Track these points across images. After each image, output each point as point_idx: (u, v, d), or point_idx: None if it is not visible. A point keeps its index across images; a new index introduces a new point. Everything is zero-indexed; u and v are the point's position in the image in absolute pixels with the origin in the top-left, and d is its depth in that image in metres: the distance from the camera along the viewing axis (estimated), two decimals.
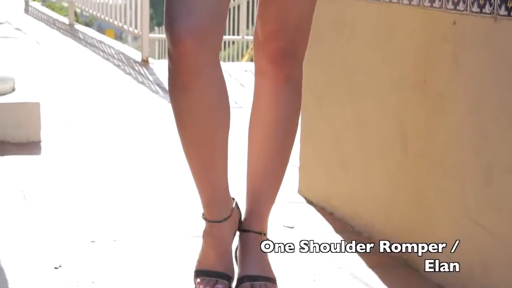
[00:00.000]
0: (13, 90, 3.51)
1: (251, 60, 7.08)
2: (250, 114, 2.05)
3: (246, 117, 2.10)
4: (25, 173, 2.96)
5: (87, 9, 7.29)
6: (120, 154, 3.30)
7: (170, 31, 1.78)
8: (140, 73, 5.32)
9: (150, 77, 5.17)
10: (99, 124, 3.85)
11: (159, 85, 4.90)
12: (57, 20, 7.87)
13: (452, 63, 2.03)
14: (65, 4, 8.09)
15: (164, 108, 4.15)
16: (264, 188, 2.01)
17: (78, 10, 7.77)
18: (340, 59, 2.54)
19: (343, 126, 2.54)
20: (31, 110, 3.39)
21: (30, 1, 9.17)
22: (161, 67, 5.41)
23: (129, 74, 5.28)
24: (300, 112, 2.07)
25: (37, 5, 9.09)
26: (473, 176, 1.97)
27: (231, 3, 9.58)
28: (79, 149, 3.35)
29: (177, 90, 1.83)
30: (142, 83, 4.99)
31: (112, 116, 4.02)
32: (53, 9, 10.57)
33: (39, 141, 3.40)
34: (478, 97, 1.96)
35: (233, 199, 1.98)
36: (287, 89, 1.99)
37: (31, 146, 3.34)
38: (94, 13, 7.05)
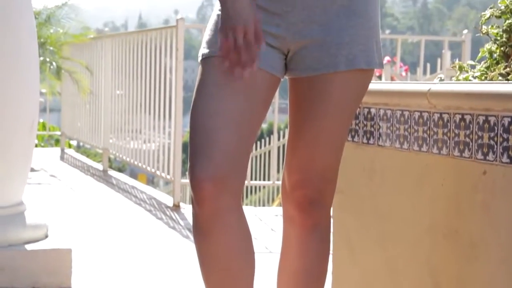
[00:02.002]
0: (46, 236, 3.54)
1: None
2: (278, 261, 2.04)
3: (276, 263, 2.09)
4: None
5: (120, 155, 7.43)
6: None
7: (190, 177, 1.84)
8: (171, 218, 5.35)
9: (181, 222, 5.20)
10: (129, 269, 3.84)
11: (190, 230, 4.91)
12: (91, 167, 8.02)
13: (483, 212, 2.03)
14: (100, 151, 8.24)
15: (194, 253, 4.13)
16: None
17: (112, 156, 7.92)
18: (370, 206, 2.55)
19: (374, 273, 2.51)
20: (63, 257, 3.41)
21: (66, 148, 9.38)
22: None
23: (161, 219, 5.31)
24: (331, 258, 2.06)
25: (72, 152, 9.29)
26: None
27: (263, 149, 9.73)
28: None
29: (199, 235, 1.86)
30: (173, 228, 5.01)
31: (142, 262, 4.02)
32: (87, 156, 10.80)
33: None
34: (510, 247, 1.94)
35: None
36: (314, 236, 1.99)
37: None
38: (128, 159, 7.18)
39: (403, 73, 9.38)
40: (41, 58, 7.80)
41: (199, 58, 1.95)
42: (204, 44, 1.96)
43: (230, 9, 1.82)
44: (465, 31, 7.70)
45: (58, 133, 10.26)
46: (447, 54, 7.88)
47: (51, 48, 7.93)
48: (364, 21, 1.94)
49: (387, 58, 9.08)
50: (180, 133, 6.00)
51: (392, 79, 8.23)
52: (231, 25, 1.81)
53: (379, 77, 8.04)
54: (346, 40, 1.93)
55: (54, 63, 8.08)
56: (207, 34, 1.96)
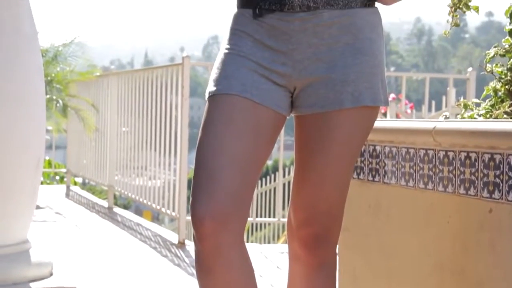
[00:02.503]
0: (51, 274, 3.53)
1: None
2: None
3: None
4: None
5: (125, 192, 7.43)
6: None
7: (192, 213, 1.84)
8: (176, 255, 5.33)
9: (186, 260, 5.18)
10: None
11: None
12: (97, 204, 8.02)
13: (490, 251, 2.02)
14: (105, 188, 8.25)
15: None
16: None
17: (117, 193, 7.92)
18: (376, 244, 2.54)
19: None
20: None
21: (71, 185, 9.39)
22: None
23: (165, 256, 5.30)
24: None
25: (78, 190, 9.29)
26: None
27: (268, 186, 9.72)
28: None
29: (201, 271, 1.85)
30: (178, 265, 4.99)
31: None
32: (93, 193, 10.80)
33: None
34: None
35: None
36: (320, 274, 1.99)
37: None
38: (133, 196, 7.18)
39: (408, 110, 9.40)
40: (48, 96, 7.84)
41: (206, 96, 1.97)
42: (211, 82, 1.97)
43: None
44: (470, 69, 7.73)
45: (64, 170, 10.28)
46: (452, 91, 7.89)
47: (58, 86, 7.98)
48: (369, 59, 1.95)
49: (392, 95, 9.10)
50: (186, 170, 6.00)
51: (397, 116, 8.24)
52: None
53: (384, 114, 8.05)
54: (352, 77, 1.94)
55: (60, 101, 8.12)
56: (214, 72, 1.98)
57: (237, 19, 1.99)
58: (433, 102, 9.12)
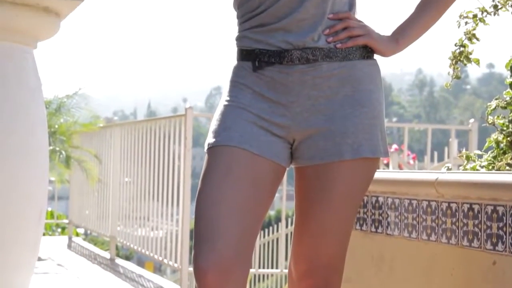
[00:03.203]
0: None
1: None
2: None
3: None
4: None
5: (127, 243, 7.40)
6: None
7: (194, 266, 1.85)
8: None
9: None
10: None
11: None
12: (98, 255, 7.98)
13: None
14: (107, 239, 8.22)
15: None
16: None
17: (119, 244, 7.89)
18: None
19: None
20: None
21: (73, 236, 9.36)
22: None
23: None
24: None
25: (80, 241, 9.26)
26: None
27: (270, 236, 9.68)
28: None
29: None
30: None
31: None
32: (95, 244, 10.76)
33: None
34: None
35: None
36: None
37: None
38: (135, 247, 7.15)
39: (411, 161, 9.41)
40: (51, 147, 7.86)
41: (206, 147, 1.98)
42: (210, 134, 1.98)
43: None
44: (472, 120, 7.75)
45: (66, 221, 10.25)
46: (454, 142, 7.91)
47: (61, 137, 8.01)
48: (368, 111, 1.96)
49: (394, 146, 9.12)
50: (188, 221, 5.98)
51: (399, 167, 8.24)
52: None
53: (387, 165, 8.06)
54: (351, 129, 1.95)
55: (63, 152, 8.14)
56: (213, 124, 1.99)
57: (237, 72, 2.01)
58: (436, 153, 9.13)
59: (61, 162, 8.26)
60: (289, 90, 1.94)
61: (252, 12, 1.97)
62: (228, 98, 1.99)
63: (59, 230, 11.31)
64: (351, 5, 2.00)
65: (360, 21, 2.00)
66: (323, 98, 1.95)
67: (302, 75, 1.94)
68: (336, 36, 1.95)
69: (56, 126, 7.99)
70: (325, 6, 1.94)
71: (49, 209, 10.77)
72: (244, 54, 1.99)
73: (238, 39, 2.01)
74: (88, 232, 10.78)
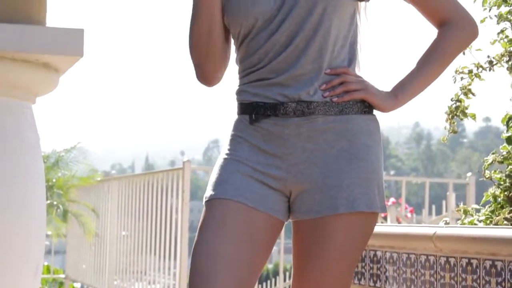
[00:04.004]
0: None
1: None
2: None
3: None
4: None
5: None
6: None
7: None
8: None
9: None
10: None
11: None
12: None
13: None
14: None
15: None
16: None
17: None
18: None
19: None
20: None
21: None
22: None
23: None
24: None
25: None
26: None
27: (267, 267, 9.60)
28: None
29: None
30: None
31: None
32: None
33: None
34: None
35: None
36: None
37: None
38: None
39: (409, 215, 9.39)
40: (48, 202, 7.85)
41: (204, 200, 1.99)
42: (209, 187, 2.00)
43: None
44: (469, 174, 7.77)
45: (62, 276, 10.18)
46: (452, 196, 7.91)
47: (59, 191, 8.00)
48: (364, 165, 1.96)
49: (392, 200, 9.11)
50: (185, 274, 5.96)
51: (397, 220, 8.22)
52: None
53: (385, 218, 8.04)
54: (346, 183, 1.95)
55: (61, 206, 8.13)
56: (212, 177, 2.01)
57: (236, 125, 2.04)
58: (433, 206, 9.13)
59: (58, 216, 8.24)
60: (284, 142, 1.96)
61: (252, 67, 2.00)
62: (227, 152, 2.02)
63: (56, 285, 11.22)
64: (351, 61, 2.02)
65: (358, 76, 2.01)
66: (319, 151, 1.96)
67: (298, 127, 1.95)
68: (333, 91, 1.96)
69: (54, 180, 8.00)
70: (321, 61, 1.96)
71: (46, 263, 10.69)
72: (243, 108, 2.02)
73: (238, 93, 2.04)
74: (85, 287, 10.69)
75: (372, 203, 1.97)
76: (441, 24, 2.05)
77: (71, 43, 2.99)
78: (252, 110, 1.98)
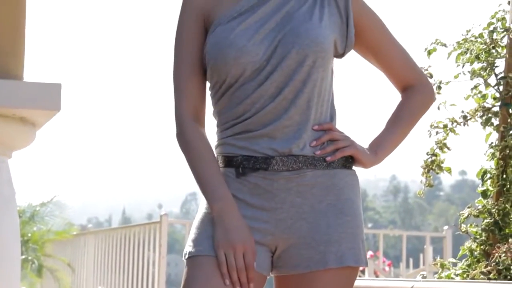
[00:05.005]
0: None
1: None
2: None
3: None
4: None
5: None
6: None
7: None
8: None
9: None
10: None
11: None
12: None
13: None
14: None
15: None
16: None
17: None
18: None
19: None
20: None
21: None
22: None
23: None
24: None
25: None
26: None
27: None
28: None
29: None
30: None
31: None
32: None
33: None
34: None
35: None
36: None
37: None
38: None
39: (386, 268, 9.37)
40: (23, 256, 7.76)
41: (185, 256, 1.96)
42: (190, 243, 1.97)
43: (229, 225, 1.90)
44: (446, 227, 7.80)
45: None
46: (429, 249, 7.93)
47: (34, 245, 7.92)
48: (351, 219, 1.97)
49: (370, 253, 9.10)
50: None
51: (375, 274, 8.20)
52: (231, 243, 1.88)
53: (363, 272, 8.02)
54: (335, 237, 1.95)
55: (35, 261, 8.04)
56: (192, 233, 1.98)
57: None
58: (411, 260, 9.12)
59: (32, 271, 8.13)
60: (273, 196, 1.96)
61: (236, 119, 1.98)
62: (208, 206, 1.99)
63: None
64: (332, 117, 2.04)
65: (342, 132, 2.04)
66: (307, 206, 1.96)
67: (287, 182, 1.96)
68: (324, 149, 1.98)
69: (29, 235, 7.92)
70: (309, 113, 1.97)
71: None
72: (227, 161, 2.00)
73: (220, 146, 2.02)
74: None
75: (358, 258, 1.98)
76: (405, 88, 2.14)
77: (48, 97, 3.00)
78: (238, 164, 1.98)
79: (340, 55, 2.05)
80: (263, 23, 1.98)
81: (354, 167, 2.06)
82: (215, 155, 2.01)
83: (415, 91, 2.12)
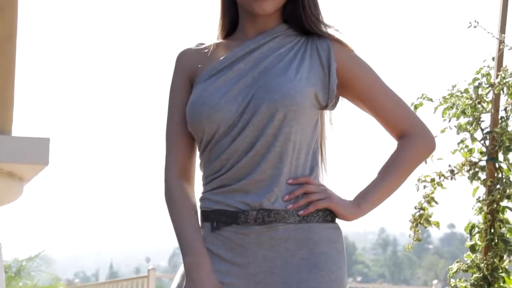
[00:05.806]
0: None
1: None
2: None
3: None
4: None
5: None
6: None
7: None
8: None
9: None
10: None
11: None
12: None
13: None
14: None
15: None
16: None
17: None
18: None
19: None
20: None
21: None
22: None
23: None
24: None
25: None
26: None
27: None
28: None
29: None
30: None
31: None
32: None
33: None
34: None
35: None
36: None
37: None
38: None
39: None
40: None
41: None
42: None
43: (196, 278, 1.92)
44: (435, 281, 7.76)
45: None
46: None
47: None
48: (325, 274, 1.95)
49: None
50: None
51: None
52: None
53: None
54: None
55: None
56: (175, 283, 2.00)
57: None
58: None
59: None
60: (245, 250, 1.95)
61: (214, 174, 2.01)
62: None
63: None
64: (312, 169, 2.03)
65: (320, 184, 2.02)
66: (280, 260, 1.95)
67: (259, 236, 1.95)
68: (296, 203, 1.98)
69: None
70: (281, 167, 1.97)
71: None
72: (204, 215, 2.02)
73: (201, 200, 2.05)
74: None
75: None
76: (401, 136, 2.10)
77: (36, 152, 3.00)
78: (213, 218, 1.99)
79: (324, 107, 2.05)
80: (239, 79, 2.00)
81: (337, 221, 2.05)
82: (197, 212, 2.03)
83: (410, 141, 2.08)
